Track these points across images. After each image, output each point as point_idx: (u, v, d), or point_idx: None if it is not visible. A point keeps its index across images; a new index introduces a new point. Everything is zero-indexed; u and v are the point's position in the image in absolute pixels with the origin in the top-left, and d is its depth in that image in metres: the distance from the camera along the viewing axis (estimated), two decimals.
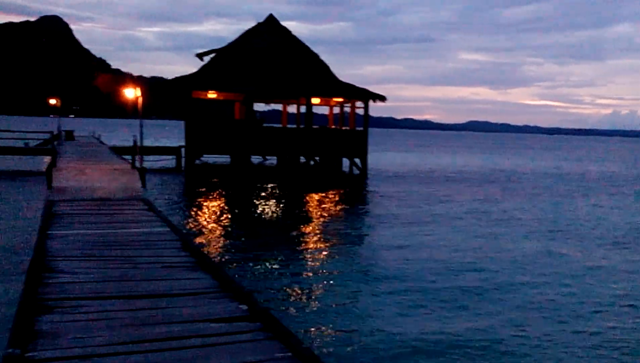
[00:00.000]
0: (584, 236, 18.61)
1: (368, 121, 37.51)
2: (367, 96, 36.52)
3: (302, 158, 37.77)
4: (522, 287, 11.98)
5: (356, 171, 38.11)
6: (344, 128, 40.35)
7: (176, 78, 35.39)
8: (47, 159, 30.98)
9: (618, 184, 39.29)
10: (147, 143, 43.01)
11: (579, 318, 10.17)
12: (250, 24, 38.75)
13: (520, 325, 9.63)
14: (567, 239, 17.93)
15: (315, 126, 38.15)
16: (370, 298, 11.00)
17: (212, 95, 36.94)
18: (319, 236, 17.12)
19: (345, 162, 40.72)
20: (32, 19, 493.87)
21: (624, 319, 10.20)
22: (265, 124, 38.11)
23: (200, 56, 36.69)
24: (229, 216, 19.89)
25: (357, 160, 37.91)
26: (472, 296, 11.18)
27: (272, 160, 44.84)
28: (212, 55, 36.79)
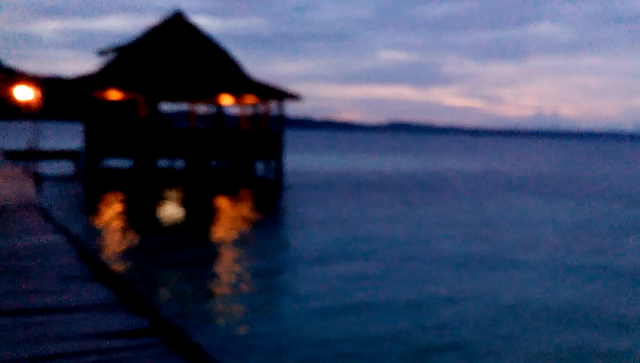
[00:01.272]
0: (507, 236, 19.40)
1: (284, 121, 37.74)
2: (282, 95, 36.74)
3: (213, 161, 37.60)
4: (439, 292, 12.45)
5: (271, 175, 38.26)
6: (257, 129, 40.44)
7: (76, 77, 34.57)
8: None
9: (545, 184, 40.99)
10: (44, 146, 41.74)
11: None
12: (156, 19, 38.25)
13: (443, 325, 10.03)
14: (487, 239, 18.70)
15: (226, 127, 38.08)
16: (283, 305, 11.17)
17: (114, 95, 36.28)
18: (228, 242, 17.16)
19: (260, 165, 40.79)
20: None
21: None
22: (172, 125, 37.69)
23: (102, 53, 35.98)
24: (131, 224, 19.64)
25: (272, 163, 38.05)
26: (390, 301, 11.51)
27: (181, 163, 44.39)
28: (115, 52, 36.14)
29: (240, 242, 17.26)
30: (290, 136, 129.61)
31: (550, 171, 57.72)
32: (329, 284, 12.80)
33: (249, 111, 44.35)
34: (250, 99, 39.44)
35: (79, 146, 39.42)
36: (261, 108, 40.68)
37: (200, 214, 22.64)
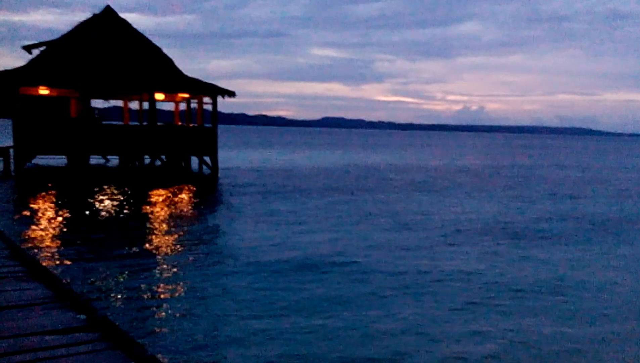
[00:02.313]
0: (433, 229, 19.84)
1: (217, 117, 37.51)
2: (215, 91, 36.46)
3: (146, 157, 37.03)
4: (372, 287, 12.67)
5: (206, 170, 37.95)
6: (191, 125, 40.04)
7: (0, 72, 33.43)
8: None
9: (477, 178, 41.89)
10: None
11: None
12: (86, 15, 37.43)
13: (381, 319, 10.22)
14: (415, 231, 19.10)
15: (160, 123, 37.59)
16: (220, 300, 11.18)
17: (43, 91, 35.29)
18: (163, 238, 17.01)
19: (195, 161, 40.41)
20: None
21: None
22: (105, 122, 36.90)
23: (28, 48, 34.88)
24: (64, 222, 19.22)
25: (207, 159, 37.76)
26: (331, 299, 11.65)
27: (114, 160, 43.58)
28: (43, 48, 35.13)
29: (175, 238, 17.13)
30: (225, 132, 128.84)
31: (470, 165, 59.08)
32: (261, 279, 12.86)
33: (182, 106, 43.90)
34: (183, 95, 39.03)
35: (7, 143, 38.25)
36: (194, 104, 40.33)
37: (135, 211, 22.34)
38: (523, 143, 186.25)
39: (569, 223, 22.13)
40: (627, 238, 19.30)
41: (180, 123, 43.16)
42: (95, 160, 41.05)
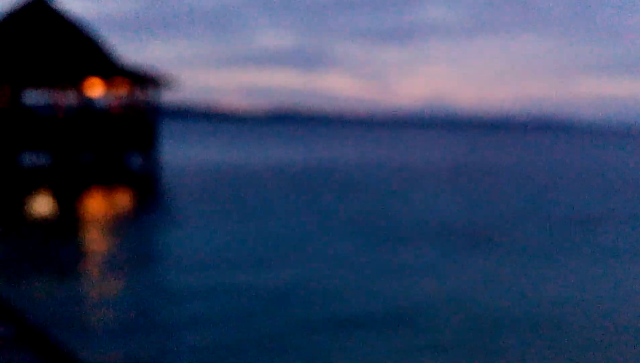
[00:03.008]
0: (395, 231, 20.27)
1: (158, 109, 37.49)
2: (157, 81, 36.47)
3: (82, 153, 36.84)
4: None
5: (146, 167, 37.91)
6: (130, 118, 39.88)
7: None
8: None
9: (444, 175, 42.52)
10: None
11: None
12: (16, 2, 36.88)
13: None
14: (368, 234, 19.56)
15: (96, 117, 37.41)
16: (156, 308, 11.39)
17: None
18: (96, 242, 17.10)
19: (134, 157, 40.23)
20: None
21: None
22: (37, 115, 36.60)
23: None
24: None
25: (147, 155, 37.69)
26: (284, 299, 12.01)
27: (46, 157, 43.11)
28: None
29: (110, 241, 17.23)
30: (168, 126, 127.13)
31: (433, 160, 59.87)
32: (203, 279, 13.13)
33: (121, 99, 43.61)
34: (121, 86, 38.85)
35: None
36: (134, 96, 40.13)
37: (68, 213, 22.32)
38: (493, 135, 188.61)
39: (546, 221, 22.78)
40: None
41: (118, 116, 42.91)
42: (26, 156, 40.54)
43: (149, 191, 30.11)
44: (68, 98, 44.30)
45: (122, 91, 41.66)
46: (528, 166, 54.18)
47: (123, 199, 26.24)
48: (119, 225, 20.02)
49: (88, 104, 35.42)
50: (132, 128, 37.00)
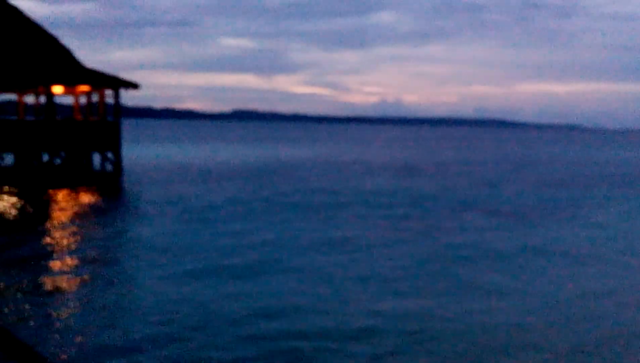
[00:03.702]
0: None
1: (120, 110, 37.12)
2: (118, 83, 36.06)
3: (45, 155, 36.30)
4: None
5: (109, 168, 37.49)
6: (92, 120, 39.42)
7: None
8: None
9: (395, 170, 42.92)
10: None
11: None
12: None
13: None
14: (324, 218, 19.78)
15: (58, 118, 36.86)
16: (124, 310, 11.31)
17: None
18: (61, 241, 16.93)
19: (97, 158, 39.77)
20: None
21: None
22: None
23: None
24: None
25: (110, 155, 37.30)
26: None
27: (10, 159, 42.42)
28: None
29: (73, 240, 17.07)
30: (130, 127, 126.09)
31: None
32: (169, 284, 13.10)
33: (82, 100, 43.08)
34: (83, 88, 38.35)
35: None
36: (96, 98, 39.65)
37: (32, 213, 22.02)
38: (441, 134, 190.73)
39: (487, 212, 23.49)
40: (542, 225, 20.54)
41: (80, 118, 42.38)
42: None
43: (111, 190, 29.80)
44: (31, 100, 43.68)
45: (83, 93, 41.14)
46: (469, 160, 54.98)
47: (85, 199, 25.93)
48: (77, 225, 19.78)
49: (51, 106, 34.85)
50: (94, 129, 36.57)
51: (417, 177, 38.32)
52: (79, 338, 9.37)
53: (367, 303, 11.51)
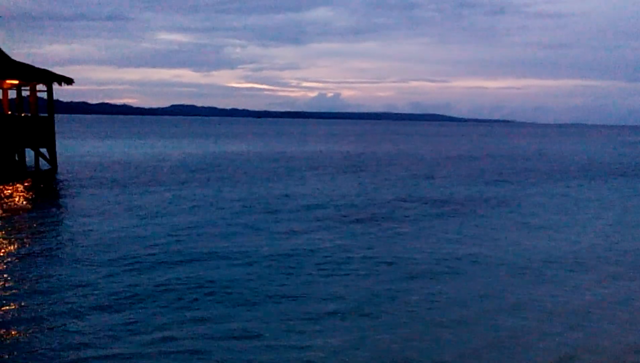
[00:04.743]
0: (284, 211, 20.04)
1: (53, 105, 35.78)
2: (50, 77, 34.72)
3: None
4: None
5: (44, 164, 36.11)
6: (23, 115, 37.94)
7: None
8: None
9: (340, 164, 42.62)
10: None
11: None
12: None
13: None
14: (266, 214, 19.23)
15: None
16: (62, 301, 10.91)
17: None
18: None
19: (29, 154, 38.30)
20: None
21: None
22: None
23: None
24: None
25: (44, 151, 35.95)
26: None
27: None
28: None
29: (7, 240, 16.21)
30: (64, 122, 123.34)
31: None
32: (105, 277, 12.47)
33: (12, 95, 41.44)
34: (12, 82, 36.81)
35: None
36: (27, 92, 38.16)
37: None
38: (379, 129, 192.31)
39: (423, 203, 23.89)
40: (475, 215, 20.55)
41: (10, 113, 40.71)
42: None
43: (44, 187, 28.61)
44: None
45: (13, 87, 39.56)
46: (403, 154, 55.55)
47: (16, 196, 24.77)
48: (7, 221, 18.84)
49: None
50: (26, 125, 35.18)
51: (360, 171, 38.24)
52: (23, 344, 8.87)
53: (322, 286, 11.37)
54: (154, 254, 14.63)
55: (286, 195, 25.79)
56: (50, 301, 10.98)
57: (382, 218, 20.71)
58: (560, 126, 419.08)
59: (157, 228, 17.95)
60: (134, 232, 17.33)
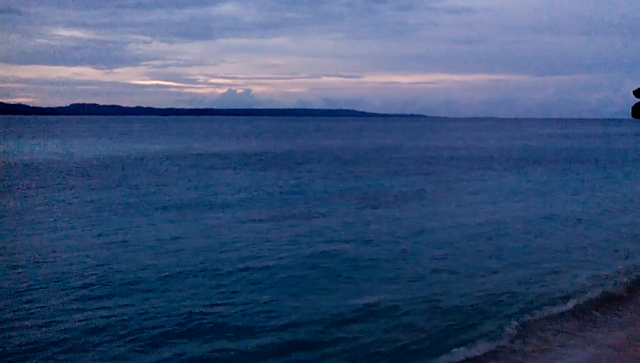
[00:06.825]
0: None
1: None
2: None
3: None
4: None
5: None
6: None
7: None
8: None
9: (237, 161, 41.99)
10: None
11: None
12: None
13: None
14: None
15: None
16: None
17: None
18: None
19: None
20: None
21: None
22: None
23: None
24: None
25: None
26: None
27: None
28: None
29: None
30: None
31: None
32: None
33: None
34: None
35: None
36: None
37: None
38: (292, 125, 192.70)
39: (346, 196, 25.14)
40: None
41: None
42: None
43: None
44: None
45: None
46: (318, 149, 56.29)
47: None
48: None
49: None
50: None
51: (281, 169, 38.12)
52: None
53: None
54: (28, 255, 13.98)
55: (203, 192, 25.03)
56: None
57: (304, 215, 20.81)
58: (470, 119, 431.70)
59: (37, 230, 16.77)
60: (21, 240, 16.83)
